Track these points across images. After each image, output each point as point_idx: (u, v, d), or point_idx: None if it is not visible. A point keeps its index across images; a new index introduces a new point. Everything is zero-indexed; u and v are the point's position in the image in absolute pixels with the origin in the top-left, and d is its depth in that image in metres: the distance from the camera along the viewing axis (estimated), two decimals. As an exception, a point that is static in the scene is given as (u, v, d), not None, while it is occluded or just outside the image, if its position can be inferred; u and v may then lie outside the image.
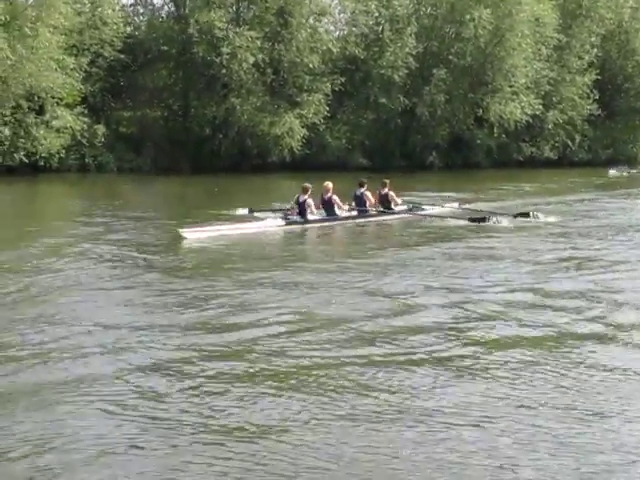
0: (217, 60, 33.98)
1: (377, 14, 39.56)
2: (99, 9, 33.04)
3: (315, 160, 35.49)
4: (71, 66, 30.78)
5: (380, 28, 38.99)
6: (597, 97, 45.16)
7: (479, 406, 5.79)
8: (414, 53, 38.79)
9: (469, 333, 7.75)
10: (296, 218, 15.98)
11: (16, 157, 29.54)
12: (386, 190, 17.76)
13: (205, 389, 6.09)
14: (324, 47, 36.61)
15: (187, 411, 5.64)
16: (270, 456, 4.94)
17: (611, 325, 8.15)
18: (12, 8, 29.02)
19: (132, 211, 19.09)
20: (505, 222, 16.45)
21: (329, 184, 16.58)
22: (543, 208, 19.24)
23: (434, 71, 39.66)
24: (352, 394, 6.01)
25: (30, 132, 29.86)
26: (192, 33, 34.09)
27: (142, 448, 5.04)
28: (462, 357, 6.96)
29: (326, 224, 16.32)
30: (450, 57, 40.84)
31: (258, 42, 34.38)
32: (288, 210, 16.37)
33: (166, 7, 37.32)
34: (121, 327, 7.75)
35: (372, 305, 8.90)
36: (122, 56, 33.84)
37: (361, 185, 17.39)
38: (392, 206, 17.67)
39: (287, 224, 15.69)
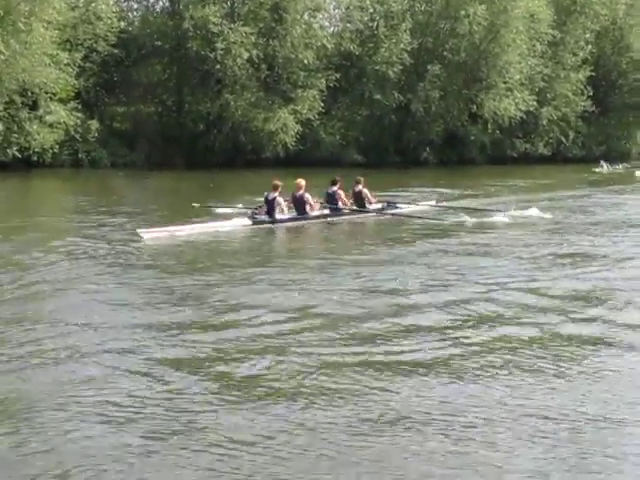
0: (211, 56, 33.95)
1: (372, 10, 39.61)
2: (93, 4, 32.97)
3: (309, 156, 35.49)
4: (65, 61, 30.72)
5: (375, 24, 38.99)
6: (591, 93, 45.21)
7: (477, 406, 5.76)
8: (409, 49, 38.77)
9: (459, 333, 7.65)
10: (263, 217, 15.41)
11: (9, 152, 29.49)
12: (360, 187, 17.25)
13: (173, 388, 6.04)
14: (319, 43, 36.58)
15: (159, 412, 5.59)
16: (260, 459, 4.92)
17: (607, 323, 8.09)
18: (5, 3, 28.90)
19: (124, 207, 19.06)
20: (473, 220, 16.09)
21: (301, 181, 16.03)
22: (536, 204, 19.21)
23: (429, 67, 39.66)
24: (328, 398, 5.92)
25: (23, 127, 29.80)
26: (186, 28, 34.04)
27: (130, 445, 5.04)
28: (454, 357, 6.88)
29: (295, 224, 15.78)
30: (445, 53, 40.84)
31: (252, 38, 34.35)
32: (256, 209, 15.72)
33: (160, 2, 37.43)
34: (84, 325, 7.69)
35: (339, 305, 8.72)
36: (116, 51, 33.79)
37: (334, 183, 16.75)
38: (365, 204, 17.17)
39: (254, 223, 15.12)
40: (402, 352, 7.02)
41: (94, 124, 32.79)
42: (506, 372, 6.49)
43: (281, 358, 6.72)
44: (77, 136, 31.80)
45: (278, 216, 15.48)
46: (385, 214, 17.18)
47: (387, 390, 6.05)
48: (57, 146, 30.74)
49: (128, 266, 11.06)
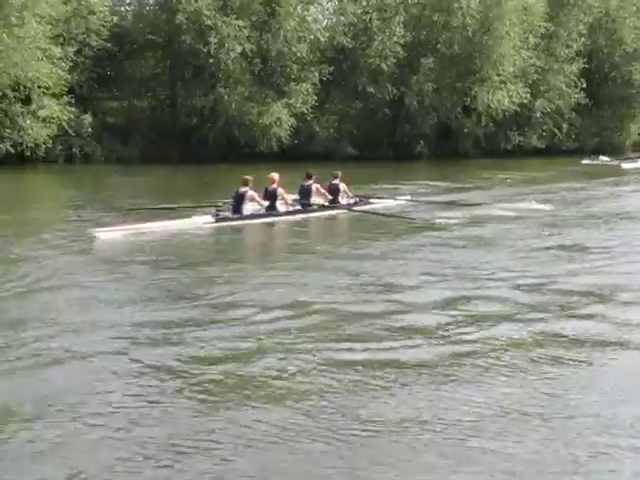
0: (205, 49, 33.86)
1: (365, 3, 39.51)
2: (85, -2, 32.84)
3: (303, 150, 35.47)
4: (58, 55, 30.56)
5: (368, 17, 38.88)
6: (584, 86, 45.17)
7: (468, 406, 5.77)
8: (402, 42, 38.69)
9: (453, 331, 7.62)
10: (227, 214, 14.90)
11: (2, 147, 29.39)
12: (336, 182, 17.03)
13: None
14: (312, 36, 36.49)
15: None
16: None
17: (609, 320, 8.03)
18: (-2, -3, 28.83)
19: (115, 202, 18.96)
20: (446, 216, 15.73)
21: (275, 175, 15.63)
22: (530, 197, 19.27)
23: (422, 60, 39.61)
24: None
25: (16, 122, 29.68)
26: (179, 22, 33.92)
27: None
28: (448, 357, 6.84)
29: (261, 220, 15.30)
30: (438, 46, 40.79)
31: (246, 31, 34.26)
32: (220, 206, 15.21)
33: (153, -5, 37.18)
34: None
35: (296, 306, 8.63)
36: (109, 45, 33.65)
37: (308, 177, 16.54)
38: (339, 198, 16.86)
39: (217, 221, 14.57)
40: (391, 351, 6.98)
41: (87, 119, 32.67)
42: (500, 372, 6.42)
43: (262, 360, 6.62)
44: (70, 131, 31.69)
45: (245, 212, 15.00)
46: (355, 211, 16.72)
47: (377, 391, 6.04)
48: (50, 141, 30.65)
49: (78, 266, 10.82)
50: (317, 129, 37.41)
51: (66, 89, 31.59)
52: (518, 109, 41.70)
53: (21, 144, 29.72)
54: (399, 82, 39.38)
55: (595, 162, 36.65)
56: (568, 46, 45.45)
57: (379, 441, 5.08)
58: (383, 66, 38.20)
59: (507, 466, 4.79)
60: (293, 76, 36.38)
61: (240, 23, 34.13)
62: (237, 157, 33.80)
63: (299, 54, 35.92)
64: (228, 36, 33.77)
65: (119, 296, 9.02)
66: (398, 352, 6.91)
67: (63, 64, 30.99)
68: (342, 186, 17.03)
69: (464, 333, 7.49)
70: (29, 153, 30.07)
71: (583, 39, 46.07)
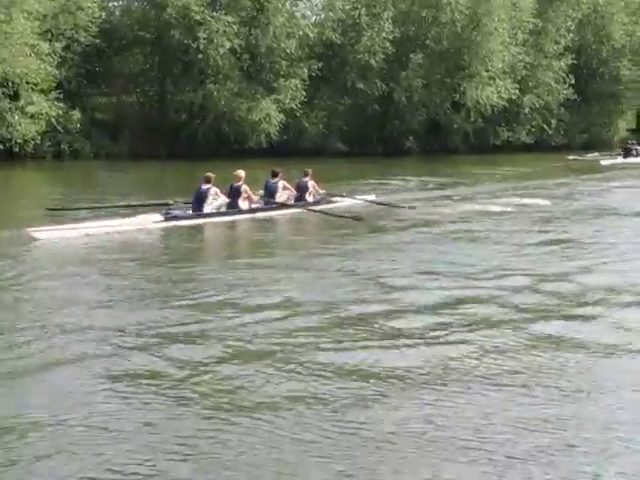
0: (194, 45, 33.82)
1: (354, -1, 39.54)
2: (73, -6, 32.71)
3: (293, 146, 35.47)
4: (46, 51, 30.47)
5: (357, 13, 38.89)
6: (573, 82, 45.34)
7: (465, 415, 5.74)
8: (391, 38, 38.74)
9: (446, 334, 7.50)
10: (178, 212, 14.19)
11: (-10, 143, 29.33)
12: (306, 179, 16.63)
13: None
14: (301, 32, 36.50)
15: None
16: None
17: (606, 322, 7.88)
18: (-15, -7, 28.70)
19: (108, 198, 18.86)
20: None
21: (241, 172, 15.28)
22: (519, 192, 19.33)
23: (411, 56, 39.66)
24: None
25: (5, 118, 29.57)
26: (168, 18, 33.87)
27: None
28: (441, 362, 6.62)
29: (218, 219, 14.66)
30: (427, 42, 40.89)
31: (235, 27, 34.24)
32: (171, 204, 14.45)
33: (142, -9, 37.06)
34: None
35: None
36: (97, 41, 33.57)
37: (274, 175, 16.17)
38: (307, 196, 16.48)
39: (166, 220, 13.81)
40: (374, 351, 6.89)
41: (76, 115, 32.59)
42: (494, 378, 6.24)
43: (245, 365, 6.45)
44: (59, 127, 31.60)
45: (206, 210, 14.48)
46: (311, 210, 16.01)
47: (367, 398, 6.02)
48: (39, 137, 30.55)
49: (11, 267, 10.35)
50: (306, 125, 37.42)
51: (54, 85, 31.49)
52: (507, 105, 41.85)
53: (10, 140, 29.61)
54: (388, 78, 39.43)
55: (581, 158, 36.84)
56: (557, 42, 45.64)
57: (371, 446, 5.01)
58: (372, 62, 38.23)
59: (500, 471, 4.77)
60: (282, 72, 36.37)
61: (229, 19, 34.11)
62: (226, 153, 33.71)
63: (288, 50, 35.92)
64: (217, 32, 33.74)
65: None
66: (383, 354, 6.78)
67: (51, 60, 30.87)
68: (311, 184, 16.69)
69: (453, 335, 7.29)
70: (18, 149, 29.98)
71: (571, 35, 46.29)
